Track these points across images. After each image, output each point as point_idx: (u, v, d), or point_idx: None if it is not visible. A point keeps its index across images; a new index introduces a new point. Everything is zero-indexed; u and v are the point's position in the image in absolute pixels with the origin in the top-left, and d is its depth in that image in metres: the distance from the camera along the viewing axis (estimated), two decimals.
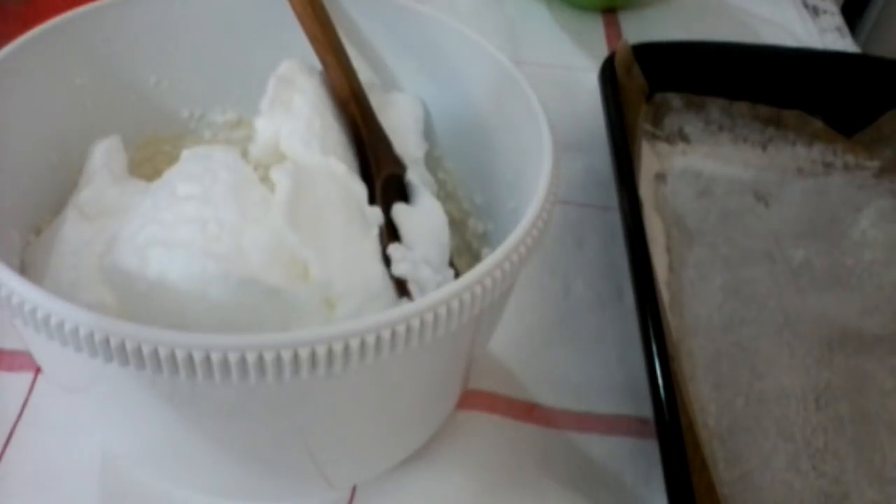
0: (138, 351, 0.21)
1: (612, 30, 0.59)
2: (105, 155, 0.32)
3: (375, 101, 0.34)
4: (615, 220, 0.39)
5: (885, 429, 0.35)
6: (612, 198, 0.40)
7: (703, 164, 0.47)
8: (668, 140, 0.47)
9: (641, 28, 0.59)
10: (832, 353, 0.38)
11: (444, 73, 0.34)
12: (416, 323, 0.22)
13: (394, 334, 0.22)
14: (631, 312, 0.35)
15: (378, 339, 0.22)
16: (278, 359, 0.21)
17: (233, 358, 0.21)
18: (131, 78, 0.34)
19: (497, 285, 0.24)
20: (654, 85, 0.47)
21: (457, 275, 0.30)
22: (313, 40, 0.33)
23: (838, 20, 0.62)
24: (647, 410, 0.33)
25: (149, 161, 0.36)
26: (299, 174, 0.28)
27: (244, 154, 0.31)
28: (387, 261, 0.29)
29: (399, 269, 0.29)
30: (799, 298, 0.40)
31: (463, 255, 0.35)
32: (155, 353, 0.21)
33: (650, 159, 0.46)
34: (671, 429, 0.31)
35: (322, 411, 0.25)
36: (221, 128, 0.37)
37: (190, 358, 0.21)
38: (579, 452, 0.35)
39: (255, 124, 0.31)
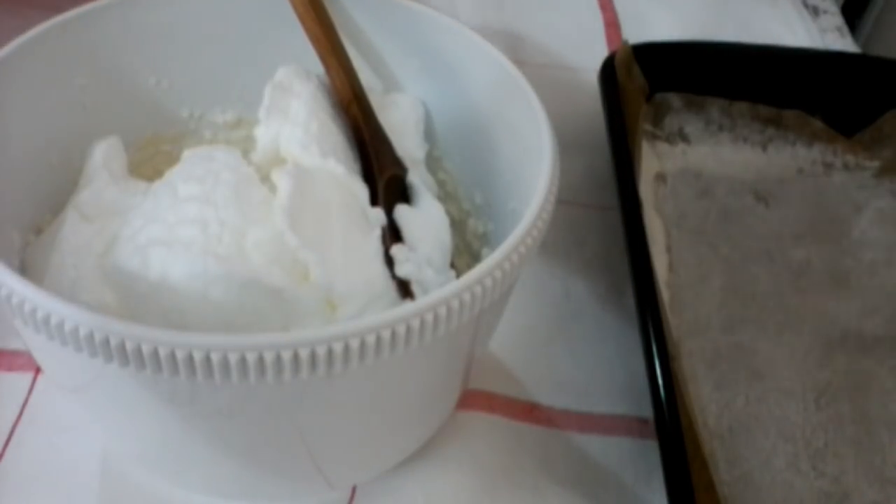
0: (138, 351, 0.21)
1: (612, 30, 0.59)
2: (105, 155, 0.32)
3: (376, 101, 0.34)
4: (615, 220, 0.39)
5: (885, 429, 0.35)
6: (612, 198, 0.40)
7: (703, 164, 0.46)
8: (668, 140, 0.47)
9: (641, 28, 0.59)
10: (832, 353, 0.38)
11: (444, 73, 0.34)
12: (416, 323, 0.22)
13: (394, 334, 0.22)
14: (631, 312, 0.35)
15: (378, 340, 0.22)
16: (278, 359, 0.21)
17: (233, 358, 0.21)
18: (131, 78, 0.34)
19: (497, 285, 0.24)
20: (654, 85, 0.47)
21: (457, 275, 0.30)
22: (314, 41, 0.33)
23: (838, 20, 0.62)
24: (647, 410, 0.33)
25: (149, 161, 0.36)
26: (301, 176, 0.28)
27: (245, 155, 0.31)
28: (389, 262, 0.29)
29: (403, 270, 0.29)
30: (799, 298, 0.40)
31: (463, 255, 0.35)
32: (155, 353, 0.21)
33: (650, 159, 0.46)
34: (671, 429, 0.31)
35: (322, 411, 0.25)
36: (221, 128, 0.37)
37: (190, 358, 0.21)
38: (579, 452, 0.35)
39: (255, 132, 0.31)
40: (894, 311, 0.40)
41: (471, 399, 0.35)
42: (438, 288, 0.24)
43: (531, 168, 0.28)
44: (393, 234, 0.30)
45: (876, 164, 0.47)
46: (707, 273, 0.41)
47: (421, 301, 0.23)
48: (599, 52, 0.52)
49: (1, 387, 0.34)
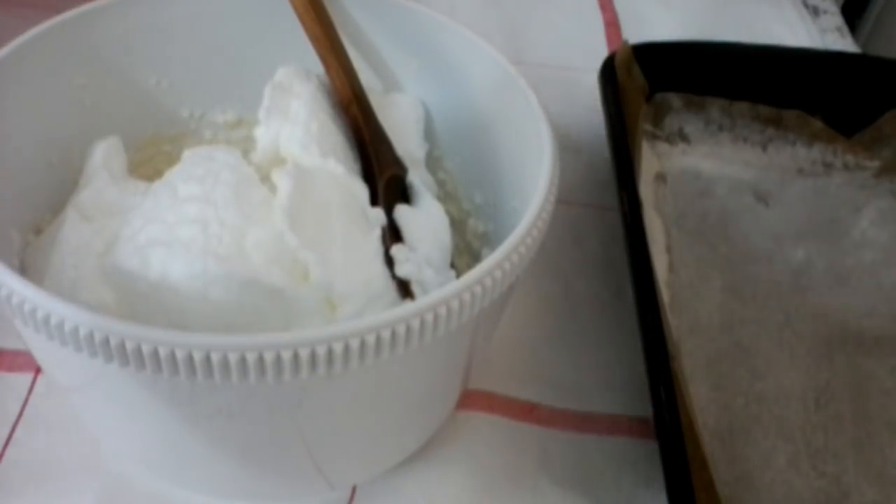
0: (138, 351, 0.21)
1: (613, 30, 0.59)
2: (105, 155, 0.32)
3: (376, 101, 0.34)
4: (615, 220, 0.39)
5: (885, 429, 0.35)
6: (612, 198, 0.40)
7: (703, 164, 0.47)
8: (668, 140, 0.47)
9: (642, 28, 0.59)
10: (832, 353, 0.38)
11: (444, 73, 0.34)
12: (416, 323, 0.22)
13: (394, 334, 0.22)
14: (631, 312, 0.35)
15: (378, 339, 0.22)
16: (278, 359, 0.21)
17: (233, 358, 0.21)
18: (131, 78, 0.34)
19: (497, 285, 0.24)
20: (654, 85, 0.47)
21: (457, 275, 0.30)
22: (314, 41, 0.33)
23: (838, 20, 0.62)
24: (647, 410, 0.33)
25: (149, 161, 0.36)
26: (300, 176, 0.28)
27: (245, 154, 0.31)
28: (389, 262, 0.29)
29: (403, 270, 0.29)
30: (799, 298, 0.40)
31: (463, 255, 0.35)
32: (155, 353, 0.21)
33: (650, 159, 0.46)
34: (671, 429, 0.31)
35: (322, 411, 0.25)
36: (221, 128, 0.37)
37: (190, 358, 0.21)
38: (579, 452, 0.35)
39: (255, 133, 0.31)
40: (894, 311, 0.40)
41: (471, 399, 0.35)
42: (438, 288, 0.24)
43: (531, 168, 0.28)
44: (393, 234, 0.30)
45: (876, 164, 0.47)
46: (707, 273, 0.41)
47: (421, 301, 0.23)
48: (599, 52, 0.52)
49: (1, 387, 0.34)
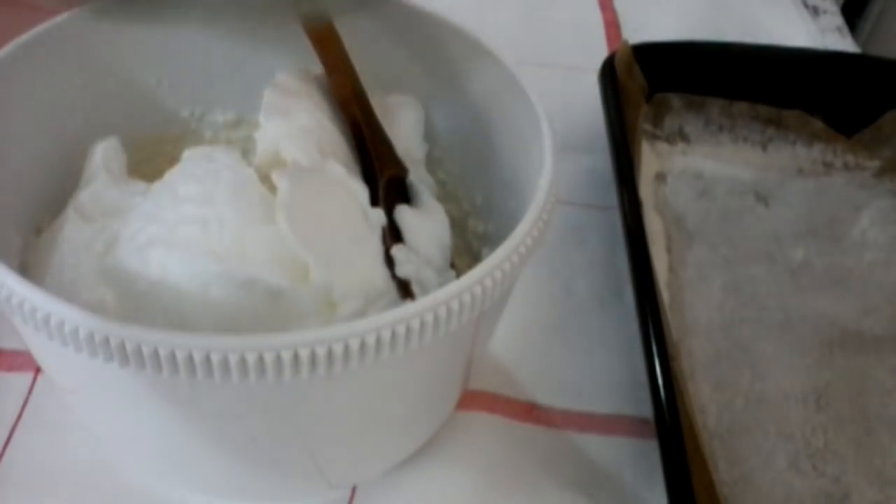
0: (138, 351, 0.21)
1: (612, 30, 0.59)
2: (105, 155, 0.32)
3: (376, 102, 0.34)
4: (615, 220, 0.39)
5: (885, 429, 0.35)
6: (612, 198, 0.40)
7: (703, 164, 0.47)
8: (668, 140, 0.47)
9: (642, 28, 0.59)
10: (832, 353, 0.38)
11: (444, 73, 0.34)
12: (416, 323, 0.22)
13: (394, 335, 0.22)
14: (631, 312, 0.35)
15: (378, 340, 0.22)
16: (278, 359, 0.21)
17: (233, 358, 0.21)
18: (131, 78, 0.34)
19: (497, 286, 0.24)
20: (654, 85, 0.47)
21: (457, 275, 0.30)
22: (315, 41, 0.33)
23: (838, 20, 0.62)
24: (647, 410, 0.33)
25: (149, 161, 0.36)
26: (300, 176, 0.28)
27: (245, 154, 0.31)
28: (389, 262, 0.29)
29: (403, 270, 0.29)
30: (799, 298, 0.40)
31: (463, 255, 0.35)
32: (155, 353, 0.21)
33: (650, 159, 0.46)
34: (671, 429, 0.31)
35: (322, 411, 0.25)
36: (221, 128, 0.37)
37: (190, 358, 0.21)
38: (579, 452, 0.35)
39: (255, 135, 0.31)
40: (894, 311, 0.40)
41: (471, 399, 0.35)
42: (438, 288, 0.24)
43: (531, 168, 0.28)
44: (393, 234, 0.30)
45: (876, 164, 0.47)
46: (707, 273, 0.41)
47: (421, 302, 0.23)
48: (599, 52, 0.52)
49: (1, 387, 0.34)
